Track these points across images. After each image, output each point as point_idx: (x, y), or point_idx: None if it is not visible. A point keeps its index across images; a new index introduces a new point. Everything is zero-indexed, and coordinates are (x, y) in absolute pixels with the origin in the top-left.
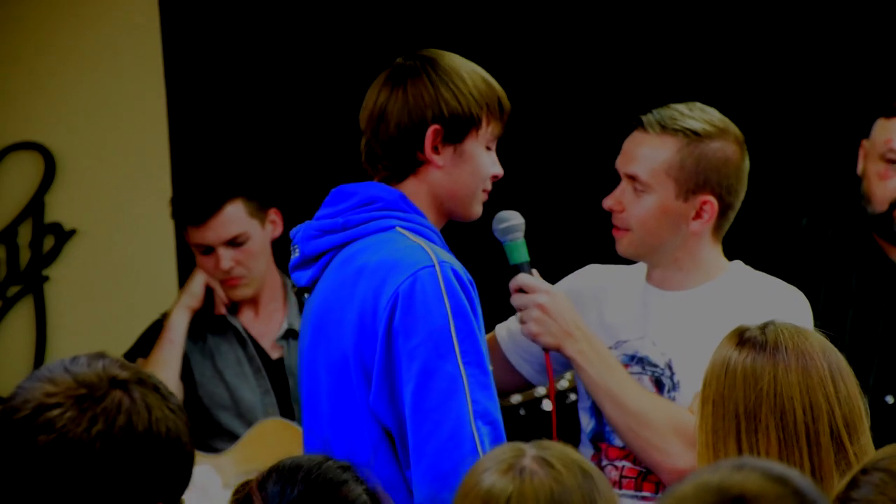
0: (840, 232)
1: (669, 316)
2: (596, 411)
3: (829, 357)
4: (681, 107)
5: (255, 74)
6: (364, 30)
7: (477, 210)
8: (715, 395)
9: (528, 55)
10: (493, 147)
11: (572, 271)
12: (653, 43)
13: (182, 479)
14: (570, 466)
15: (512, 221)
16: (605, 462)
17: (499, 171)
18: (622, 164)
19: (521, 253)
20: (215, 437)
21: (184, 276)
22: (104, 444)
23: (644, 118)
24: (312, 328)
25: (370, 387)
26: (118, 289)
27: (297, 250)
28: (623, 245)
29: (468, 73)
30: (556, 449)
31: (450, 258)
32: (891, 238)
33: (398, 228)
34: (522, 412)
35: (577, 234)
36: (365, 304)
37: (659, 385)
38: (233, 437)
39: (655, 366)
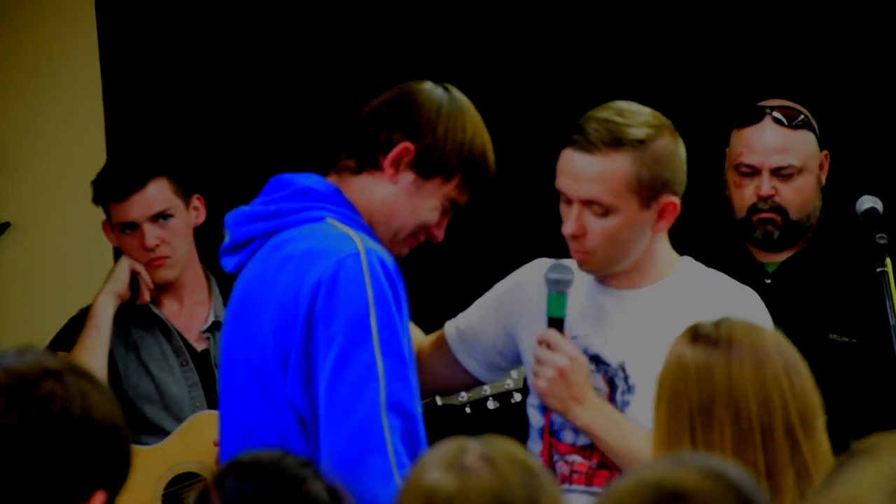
0: (712, 239)
1: (622, 315)
2: (546, 409)
3: (783, 353)
4: (606, 114)
5: (190, 72)
6: (304, 23)
7: (399, 249)
8: (669, 393)
9: (494, 55)
10: (449, 211)
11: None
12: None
13: (121, 466)
14: (514, 464)
15: (567, 276)
16: (556, 457)
17: (439, 234)
18: (572, 190)
19: (560, 308)
20: (141, 431)
21: None
22: (40, 432)
23: (581, 137)
24: (233, 315)
25: (286, 374)
26: (54, 283)
27: (227, 235)
28: (589, 265)
29: (473, 130)
30: (501, 446)
31: (377, 247)
32: (753, 242)
33: (328, 219)
34: (468, 410)
35: (527, 227)
36: (287, 291)
37: (612, 385)
38: (158, 431)
39: (608, 365)
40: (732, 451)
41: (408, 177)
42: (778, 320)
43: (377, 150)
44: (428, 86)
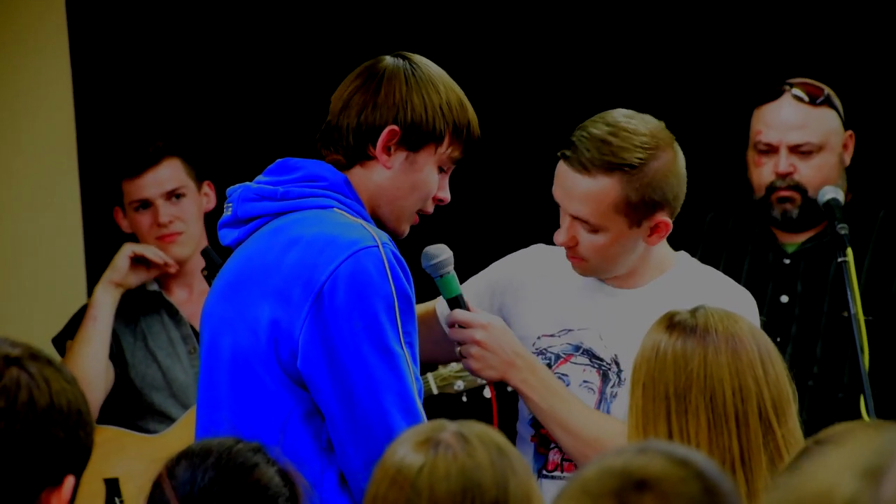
0: (739, 222)
1: (618, 312)
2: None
3: (758, 340)
4: (601, 132)
5: (160, 65)
6: (306, 9)
7: (404, 228)
8: (645, 378)
9: (480, 52)
10: (449, 171)
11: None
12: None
13: (85, 449)
14: (486, 444)
15: (441, 257)
16: (552, 445)
17: (445, 195)
18: (563, 204)
19: (453, 287)
20: (147, 418)
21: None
22: (8, 422)
23: (573, 156)
24: (223, 291)
25: (287, 356)
26: (23, 275)
27: (230, 209)
28: (581, 269)
29: (445, 88)
30: (477, 427)
31: (388, 239)
32: (772, 222)
33: (336, 209)
34: (465, 399)
35: (523, 216)
36: (293, 274)
37: (605, 378)
38: (165, 418)
39: (602, 360)
40: (707, 437)
41: (400, 156)
42: (795, 299)
43: (363, 141)
44: (388, 62)
